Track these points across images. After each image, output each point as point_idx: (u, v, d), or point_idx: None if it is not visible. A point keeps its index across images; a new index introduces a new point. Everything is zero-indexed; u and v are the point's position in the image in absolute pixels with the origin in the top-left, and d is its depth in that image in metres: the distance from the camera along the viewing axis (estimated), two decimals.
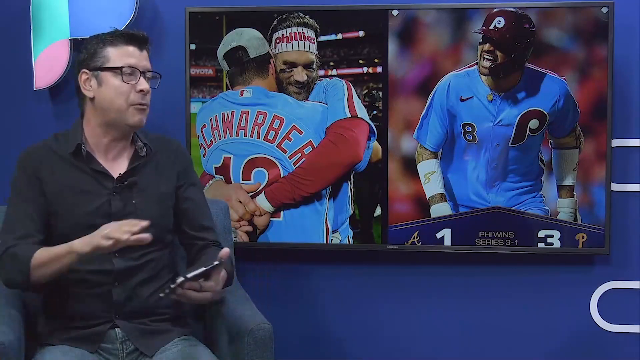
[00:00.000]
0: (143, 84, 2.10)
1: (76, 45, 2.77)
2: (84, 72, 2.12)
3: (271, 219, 2.79)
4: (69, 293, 2.12)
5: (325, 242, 2.78)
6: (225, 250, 1.98)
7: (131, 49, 2.11)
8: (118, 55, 2.10)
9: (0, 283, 2.13)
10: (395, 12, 2.71)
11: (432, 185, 2.74)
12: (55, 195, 2.11)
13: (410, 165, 2.74)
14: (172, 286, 1.88)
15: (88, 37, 2.18)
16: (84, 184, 2.12)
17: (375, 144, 2.74)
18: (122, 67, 2.09)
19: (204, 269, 1.90)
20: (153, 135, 2.25)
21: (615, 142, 2.72)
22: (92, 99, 2.12)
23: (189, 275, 1.89)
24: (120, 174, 2.14)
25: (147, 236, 1.93)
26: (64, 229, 2.10)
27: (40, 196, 2.11)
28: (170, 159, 2.23)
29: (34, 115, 2.87)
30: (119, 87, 2.09)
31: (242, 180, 2.78)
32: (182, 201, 2.25)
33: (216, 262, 1.92)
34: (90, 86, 2.12)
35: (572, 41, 2.66)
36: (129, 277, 2.13)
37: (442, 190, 2.74)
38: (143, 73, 2.11)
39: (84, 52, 2.14)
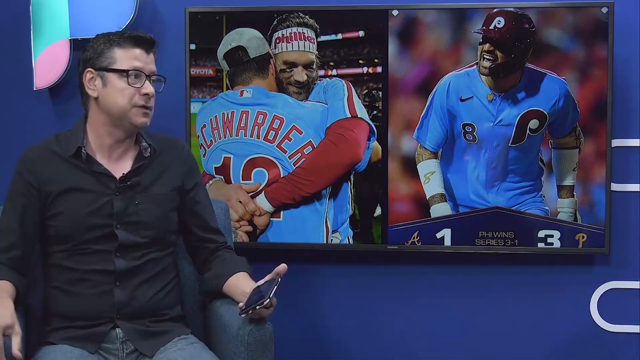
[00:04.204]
0: (148, 88, 2.10)
1: (76, 45, 2.78)
2: (89, 71, 2.12)
3: (271, 219, 2.79)
4: (70, 292, 2.12)
5: (325, 242, 2.78)
6: (283, 266, 2.02)
7: (138, 51, 2.10)
8: (125, 57, 2.09)
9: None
10: (395, 12, 2.71)
11: (432, 185, 2.74)
12: (56, 196, 2.11)
13: (410, 165, 2.74)
14: (258, 307, 1.96)
15: (94, 35, 2.17)
16: (86, 183, 2.12)
17: (375, 144, 2.74)
18: (129, 70, 2.08)
19: (276, 287, 1.98)
20: (157, 136, 2.25)
21: (615, 142, 2.72)
22: (97, 99, 2.12)
23: (271, 294, 1.97)
24: (123, 173, 2.14)
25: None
26: (66, 228, 2.10)
27: (34, 204, 2.11)
28: (174, 160, 2.23)
29: (34, 115, 2.87)
30: (124, 90, 2.08)
31: (242, 180, 2.78)
32: (193, 204, 2.25)
33: (279, 279, 2.02)
34: (95, 86, 2.11)
35: (572, 41, 2.66)
36: (130, 277, 2.13)
37: (442, 190, 2.74)
38: (148, 76, 2.11)
39: (90, 51, 2.13)
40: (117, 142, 2.15)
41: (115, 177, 2.13)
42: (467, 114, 2.70)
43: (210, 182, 2.78)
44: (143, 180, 2.16)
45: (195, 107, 2.80)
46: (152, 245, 2.16)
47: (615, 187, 2.73)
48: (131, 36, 2.12)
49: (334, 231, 2.78)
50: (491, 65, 2.66)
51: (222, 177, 2.79)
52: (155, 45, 2.15)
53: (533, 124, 2.68)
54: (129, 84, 2.08)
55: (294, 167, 2.75)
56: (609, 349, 2.82)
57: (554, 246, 2.72)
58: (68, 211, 2.11)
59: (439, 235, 2.75)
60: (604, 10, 2.63)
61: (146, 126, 2.14)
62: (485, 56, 2.66)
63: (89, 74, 2.12)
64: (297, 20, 2.73)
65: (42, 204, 2.12)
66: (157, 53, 2.17)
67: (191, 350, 2.10)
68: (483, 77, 2.68)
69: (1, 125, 2.88)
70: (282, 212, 2.78)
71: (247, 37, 2.75)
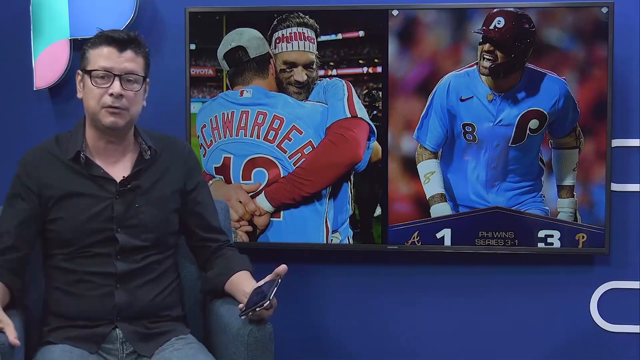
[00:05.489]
0: (114, 88, 2.05)
1: (76, 45, 2.77)
2: (78, 72, 2.13)
3: (271, 219, 2.79)
4: (71, 293, 2.12)
5: (325, 242, 2.78)
6: (283, 267, 2.01)
7: (107, 50, 2.06)
8: (94, 57, 2.07)
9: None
10: (395, 12, 2.71)
11: (432, 185, 2.74)
12: (57, 201, 2.11)
13: (410, 165, 2.74)
14: (258, 309, 1.96)
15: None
16: (86, 188, 2.11)
17: (375, 144, 2.74)
18: (92, 70, 2.06)
19: (276, 288, 1.98)
20: (158, 135, 2.23)
21: (615, 142, 2.72)
22: (82, 100, 2.13)
23: (271, 296, 1.96)
24: (123, 177, 2.13)
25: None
26: (66, 233, 2.10)
27: (34, 207, 2.11)
28: (175, 161, 2.22)
29: (34, 115, 2.87)
30: (93, 90, 2.07)
31: (242, 180, 2.78)
32: (195, 205, 2.24)
33: (279, 280, 2.01)
34: (81, 87, 2.12)
35: (572, 41, 2.66)
36: (131, 279, 2.12)
37: (442, 190, 2.74)
38: (119, 76, 2.06)
39: (81, 52, 2.14)
40: (109, 143, 2.13)
41: (115, 181, 2.12)
42: (467, 114, 2.70)
43: (210, 182, 2.78)
44: (143, 183, 2.15)
45: (195, 107, 2.80)
46: (153, 248, 2.16)
47: (615, 187, 2.73)
48: (103, 35, 2.09)
49: (334, 231, 2.78)
50: (491, 65, 2.66)
51: (222, 177, 2.79)
52: (133, 43, 2.09)
53: (533, 124, 2.68)
54: (93, 84, 2.06)
55: (294, 167, 2.75)
56: (609, 349, 2.82)
57: (554, 246, 2.71)
58: (68, 216, 2.10)
59: (439, 235, 2.75)
60: (604, 10, 2.63)
61: (118, 127, 2.09)
62: (485, 56, 2.66)
63: (78, 76, 2.13)
64: (297, 20, 2.73)
65: (42, 208, 2.11)
66: (141, 50, 2.10)
67: (187, 350, 2.10)
68: (483, 77, 2.68)
69: (1, 125, 2.88)
70: (282, 212, 2.78)
71: (247, 37, 2.75)
